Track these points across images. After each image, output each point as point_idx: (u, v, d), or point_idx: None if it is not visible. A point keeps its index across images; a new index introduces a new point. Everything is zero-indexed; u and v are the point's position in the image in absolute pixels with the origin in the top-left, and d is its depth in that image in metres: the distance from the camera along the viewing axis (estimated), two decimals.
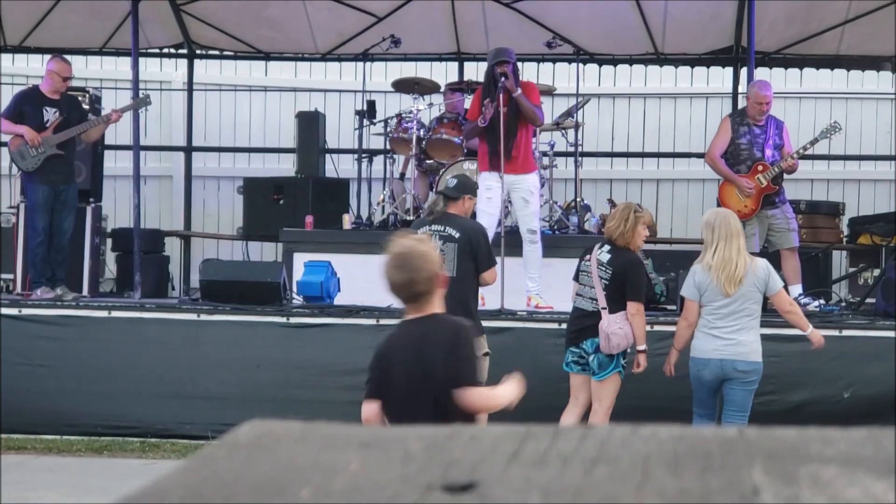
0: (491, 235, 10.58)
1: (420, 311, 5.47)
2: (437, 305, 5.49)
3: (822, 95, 16.40)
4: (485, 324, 9.74)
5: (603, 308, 9.01)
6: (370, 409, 5.56)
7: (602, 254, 9.12)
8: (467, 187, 9.68)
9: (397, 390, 5.48)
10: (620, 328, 8.94)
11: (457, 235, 9.25)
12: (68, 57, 12.69)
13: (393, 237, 5.55)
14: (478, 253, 9.28)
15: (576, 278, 9.36)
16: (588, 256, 9.22)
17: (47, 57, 12.90)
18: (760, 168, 11.48)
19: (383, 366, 5.58)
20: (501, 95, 11.13)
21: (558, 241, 12.25)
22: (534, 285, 11.30)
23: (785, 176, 11.71)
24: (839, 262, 14.98)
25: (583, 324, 9.18)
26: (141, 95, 12.63)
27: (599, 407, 9.12)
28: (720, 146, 11.66)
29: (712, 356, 8.73)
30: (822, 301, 12.03)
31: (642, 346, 9.11)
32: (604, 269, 9.07)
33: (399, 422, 5.36)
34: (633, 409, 9.59)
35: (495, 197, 11.18)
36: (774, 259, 10.76)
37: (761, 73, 14.17)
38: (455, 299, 9.28)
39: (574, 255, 9.83)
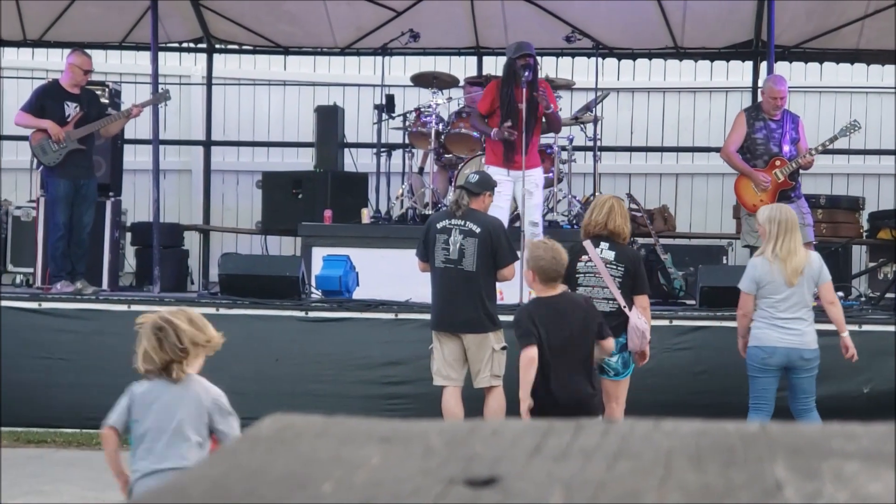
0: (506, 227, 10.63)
1: (554, 290, 7.98)
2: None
3: (841, 90, 16.35)
4: (503, 318, 9.73)
5: (624, 307, 8.81)
6: (534, 350, 7.84)
7: (605, 252, 8.84)
8: (488, 184, 9.66)
9: (553, 345, 7.84)
10: (646, 323, 8.83)
11: (477, 231, 9.25)
12: (88, 51, 12.71)
13: (538, 241, 8.45)
14: (498, 249, 9.28)
15: (566, 282, 8.75)
16: (584, 257, 8.88)
17: (66, 51, 12.93)
18: (778, 163, 11.45)
19: (538, 326, 7.86)
20: (525, 90, 11.11)
21: (577, 235, 12.18)
22: None
23: (801, 171, 11.69)
24: (859, 256, 14.94)
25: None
26: (161, 91, 12.65)
27: (618, 406, 8.94)
28: (735, 141, 11.64)
29: (779, 345, 8.88)
30: (841, 296, 12.01)
31: (649, 337, 8.98)
32: (614, 266, 8.81)
33: (552, 368, 7.86)
34: (654, 404, 9.59)
35: (505, 191, 11.13)
36: None
37: (781, 67, 14.13)
38: (473, 294, 9.30)
39: None
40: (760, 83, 13.98)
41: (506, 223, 10.94)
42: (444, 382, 9.37)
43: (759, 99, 12.11)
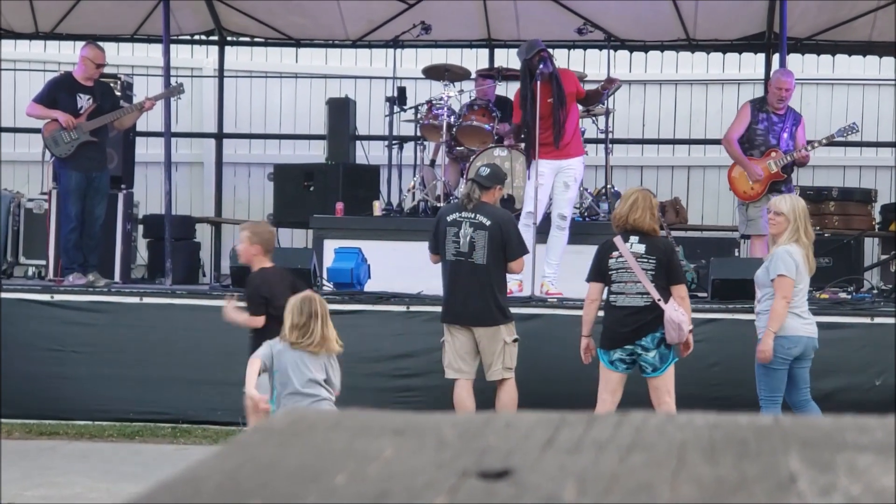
0: (539, 220, 10.73)
1: (271, 262, 9.08)
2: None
3: (854, 82, 16.31)
4: (515, 310, 9.73)
5: (659, 300, 8.67)
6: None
7: (635, 245, 8.77)
8: (499, 177, 9.67)
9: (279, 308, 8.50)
10: (683, 314, 8.69)
11: (488, 223, 9.25)
12: (100, 43, 12.72)
13: (252, 222, 9.42)
14: (508, 242, 9.28)
15: (598, 279, 8.92)
16: (614, 253, 8.82)
17: (79, 44, 12.93)
18: (773, 154, 11.55)
19: (269, 294, 8.94)
20: (540, 84, 11.12)
21: (589, 227, 12.22)
22: (550, 271, 11.16)
23: (796, 166, 11.81)
24: (871, 249, 14.91)
25: (641, 320, 8.75)
26: (174, 84, 12.65)
27: (671, 398, 8.86)
28: (738, 130, 11.77)
29: (802, 334, 8.79)
30: (853, 288, 12.01)
31: (692, 326, 8.90)
32: (645, 260, 8.74)
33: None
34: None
35: (547, 184, 11.21)
36: None
37: (793, 59, 14.10)
38: (484, 287, 9.30)
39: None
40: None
41: (541, 216, 11.01)
42: (456, 375, 9.38)
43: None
